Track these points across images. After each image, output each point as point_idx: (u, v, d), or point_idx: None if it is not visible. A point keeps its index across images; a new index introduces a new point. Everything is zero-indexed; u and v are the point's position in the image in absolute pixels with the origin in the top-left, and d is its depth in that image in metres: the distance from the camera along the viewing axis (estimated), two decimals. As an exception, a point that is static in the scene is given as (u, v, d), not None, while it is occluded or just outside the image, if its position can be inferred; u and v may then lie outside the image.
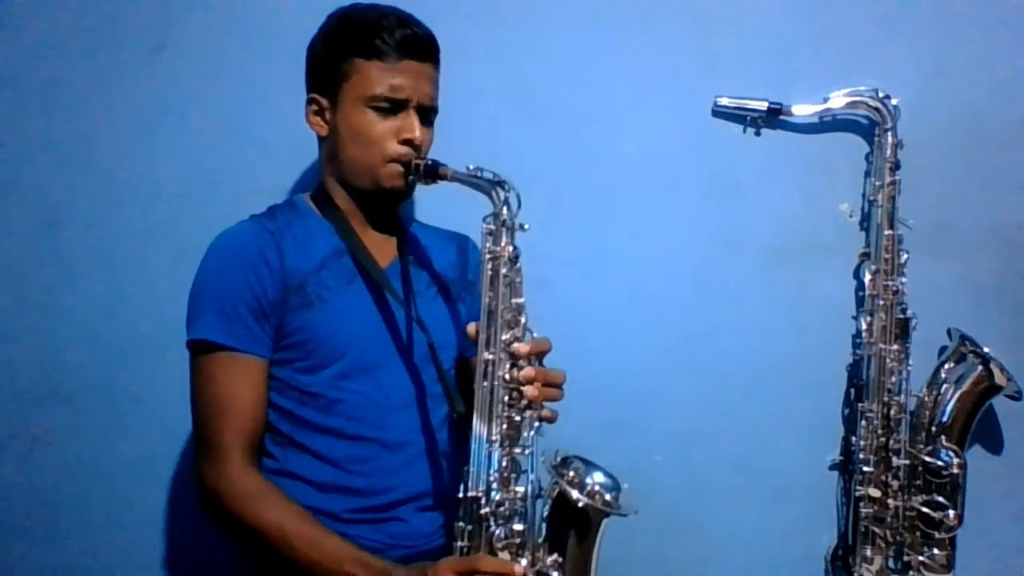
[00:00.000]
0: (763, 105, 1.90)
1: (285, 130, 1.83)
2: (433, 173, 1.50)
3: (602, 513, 1.49)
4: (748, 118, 1.93)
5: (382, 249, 1.60)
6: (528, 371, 1.43)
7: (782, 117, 1.92)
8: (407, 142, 1.52)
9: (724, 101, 1.93)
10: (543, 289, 1.91)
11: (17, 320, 1.92)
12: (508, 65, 1.95)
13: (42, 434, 1.92)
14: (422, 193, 1.66)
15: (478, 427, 1.43)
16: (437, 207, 1.81)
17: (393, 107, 1.52)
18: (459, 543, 1.41)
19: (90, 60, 1.91)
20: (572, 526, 1.48)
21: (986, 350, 1.86)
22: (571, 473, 1.55)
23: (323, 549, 1.40)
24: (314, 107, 1.57)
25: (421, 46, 1.53)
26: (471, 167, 1.47)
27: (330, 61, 1.54)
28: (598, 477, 1.56)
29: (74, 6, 1.92)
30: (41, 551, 1.92)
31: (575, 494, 1.47)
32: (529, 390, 1.43)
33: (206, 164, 1.92)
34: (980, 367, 1.85)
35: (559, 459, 1.54)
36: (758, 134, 1.95)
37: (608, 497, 1.54)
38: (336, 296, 1.53)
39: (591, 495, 1.52)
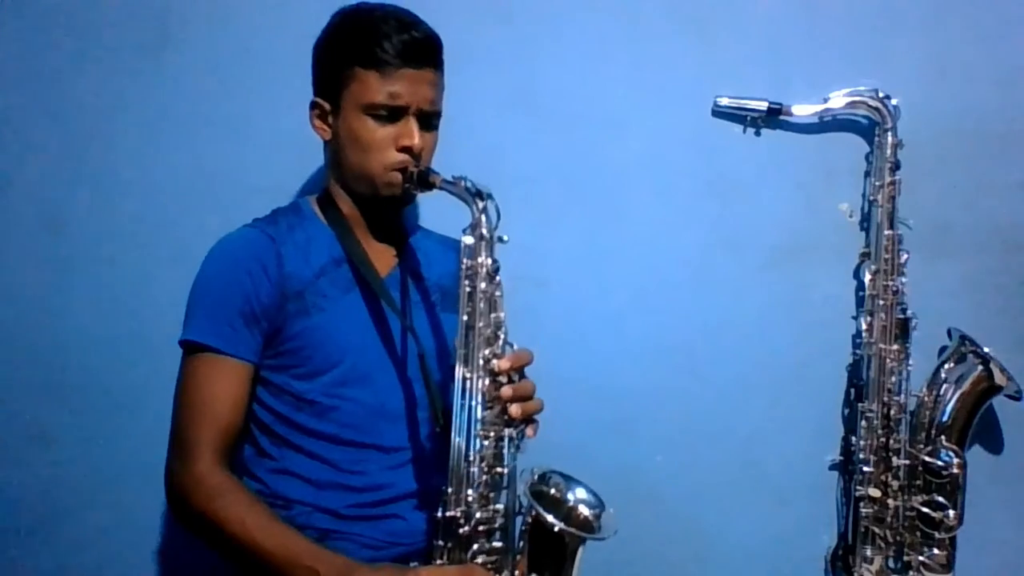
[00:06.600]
0: (763, 105, 1.90)
1: (285, 130, 1.83)
2: (424, 181, 1.49)
3: (579, 539, 1.46)
4: (748, 118, 1.93)
5: (383, 257, 1.61)
6: (505, 390, 1.41)
7: (782, 117, 1.92)
8: (406, 149, 1.51)
9: (724, 101, 1.93)
10: (543, 289, 1.92)
11: (17, 320, 1.92)
12: (508, 65, 1.95)
13: (42, 434, 1.92)
14: (430, 197, 1.66)
15: (457, 445, 1.41)
16: (443, 210, 1.81)
17: (392, 114, 1.51)
18: (438, 561, 1.40)
19: (90, 60, 1.91)
20: (550, 551, 1.45)
21: (986, 350, 1.86)
22: (552, 490, 1.51)
23: (285, 544, 1.38)
24: (317, 111, 1.57)
25: (421, 52, 1.52)
26: (454, 176, 1.45)
27: (331, 67, 1.54)
28: (580, 493, 1.52)
29: (74, 6, 1.92)
30: (41, 551, 1.92)
31: (550, 519, 1.42)
32: (513, 409, 1.41)
33: (206, 164, 1.92)
34: (980, 367, 1.85)
35: (536, 476, 1.50)
36: (758, 134, 1.95)
37: (589, 515, 1.50)
38: (333, 304, 1.53)
39: (569, 515, 1.49)
